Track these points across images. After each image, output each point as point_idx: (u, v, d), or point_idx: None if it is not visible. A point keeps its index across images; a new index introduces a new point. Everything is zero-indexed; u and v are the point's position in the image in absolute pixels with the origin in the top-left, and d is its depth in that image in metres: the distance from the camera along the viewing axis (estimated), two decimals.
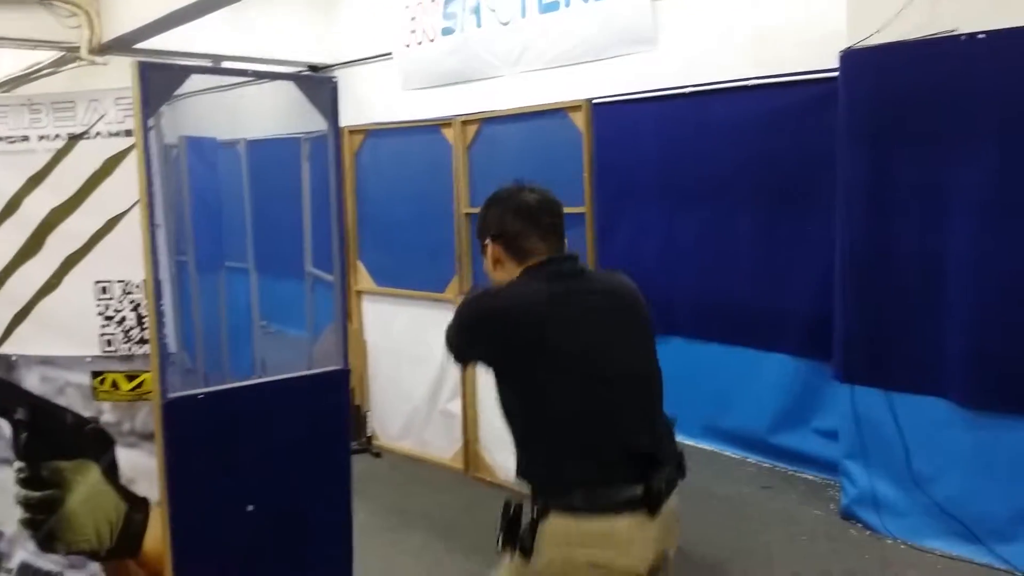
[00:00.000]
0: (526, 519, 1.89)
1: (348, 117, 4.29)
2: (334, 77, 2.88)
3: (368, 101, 6.81)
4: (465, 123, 4.55)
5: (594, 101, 4.08)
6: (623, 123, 5.14)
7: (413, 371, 4.92)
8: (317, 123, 2.70)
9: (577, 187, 3.95)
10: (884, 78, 3.64)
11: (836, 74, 3.83)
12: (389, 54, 6.74)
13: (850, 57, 3.74)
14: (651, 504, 1.88)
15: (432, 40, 6.30)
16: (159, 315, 2.48)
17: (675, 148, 5.05)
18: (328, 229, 2.82)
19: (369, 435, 5.18)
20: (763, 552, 3.74)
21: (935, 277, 3.58)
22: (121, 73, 2.77)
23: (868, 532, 3.86)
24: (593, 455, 1.88)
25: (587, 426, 1.88)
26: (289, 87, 2.70)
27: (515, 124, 4.42)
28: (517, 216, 2.02)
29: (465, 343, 2.01)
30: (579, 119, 3.97)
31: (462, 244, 4.58)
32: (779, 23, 4.60)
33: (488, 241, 2.05)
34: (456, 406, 4.71)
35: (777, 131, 4.56)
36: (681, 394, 5.08)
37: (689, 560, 3.63)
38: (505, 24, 5.76)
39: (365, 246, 5.17)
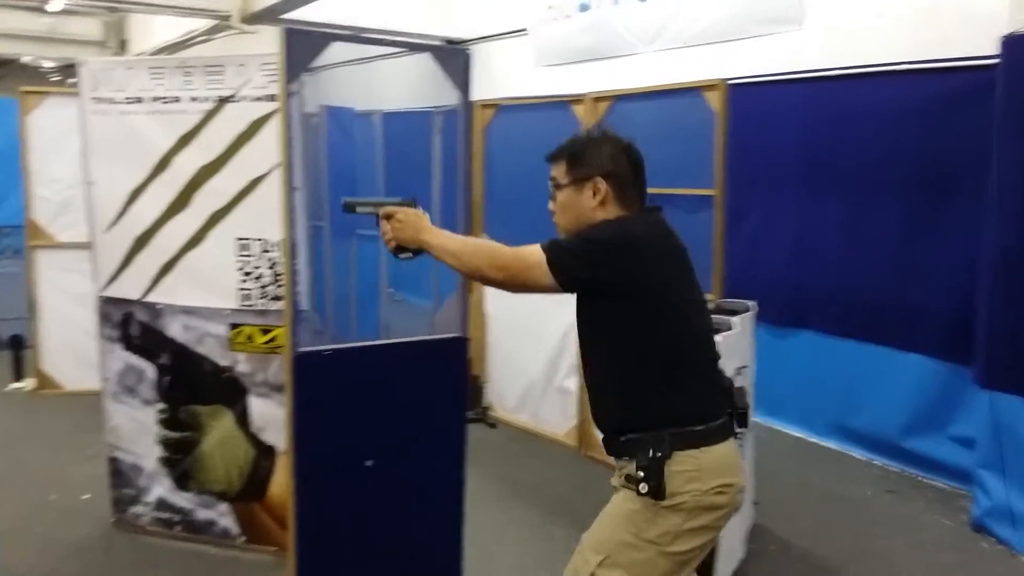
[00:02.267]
0: (643, 460, 1.88)
1: (480, 92, 4.34)
2: (468, 49, 2.91)
3: (500, 77, 6.86)
4: (597, 100, 4.52)
5: (731, 82, 3.96)
6: (761, 105, 4.97)
7: (531, 346, 4.95)
8: (450, 97, 2.74)
9: (707, 169, 3.86)
10: None
11: (995, 60, 3.59)
12: (522, 30, 6.76)
13: (1013, 43, 3.48)
14: (740, 426, 2.04)
15: (568, 16, 6.26)
16: (294, 273, 2.58)
17: (815, 133, 4.84)
18: (456, 202, 2.87)
19: (486, 406, 5.26)
20: (884, 557, 3.58)
21: None
22: (269, 42, 2.89)
23: (1000, 547, 3.63)
24: (703, 383, 1.97)
25: (697, 356, 1.97)
26: (425, 62, 2.74)
27: (648, 102, 4.35)
28: (630, 162, 2.02)
29: (590, 263, 1.89)
30: (714, 99, 3.87)
31: None
32: (935, 4, 4.33)
33: (599, 177, 1.98)
34: (572, 383, 4.71)
35: (927, 119, 4.31)
36: (809, 390, 4.99)
37: (807, 559, 3.52)
38: (643, 1, 5.66)
39: (490, 220, 5.22)
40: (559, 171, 2.04)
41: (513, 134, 5.12)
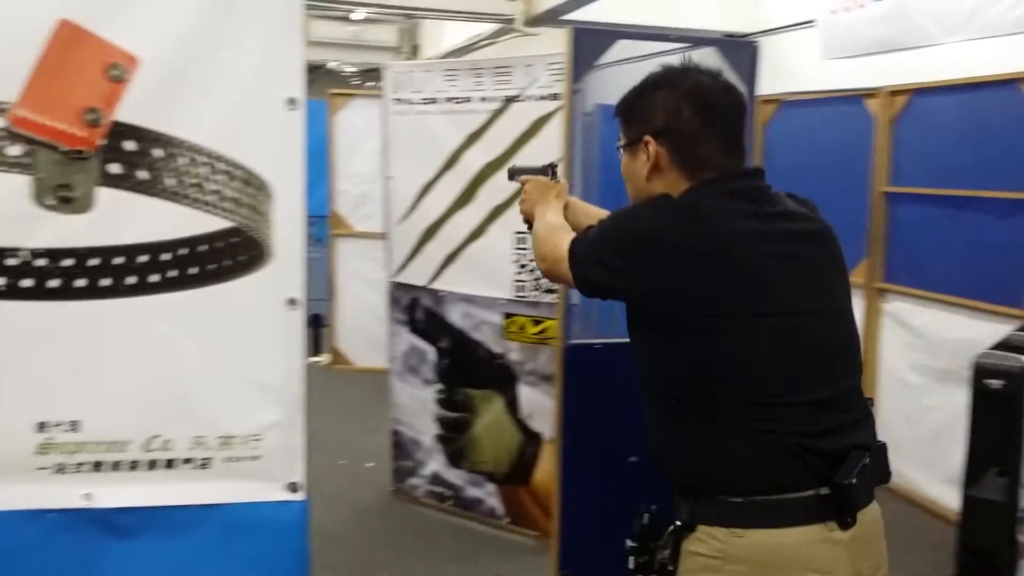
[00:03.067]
0: (667, 535, 1.46)
1: (759, 87, 4.18)
2: (756, 42, 2.81)
3: (780, 71, 6.53)
4: (893, 93, 4.19)
5: None
6: None
7: None
8: None
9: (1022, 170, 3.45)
10: None
11: None
12: (807, 22, 6.41)
13: None
14: (843, 508, 1.36)
15: (862, 6, 5.86)
16: None
17: None
18: None
19: None
20: None
21: None
22: (550, 43, 2.97)
23: None
24: (773, 435, 1.37)
25: (772, 396, 1.38)
26: (704, 56, 2.68)
27: (952, 96, 3.97)
28: (697, 110, 1.46)
29: (597, 263, 1.47)
30: None
31: (877, 225, 4.24)
32: None
33: (649, 138, 1.48)
34: None
35: None
36: None
37: None
38: None
39: None
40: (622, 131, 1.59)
41: (796, 131, 4.88)
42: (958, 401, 3.53)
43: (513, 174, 2.00)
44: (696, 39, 2.82)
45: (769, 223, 1.43)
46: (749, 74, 2.62)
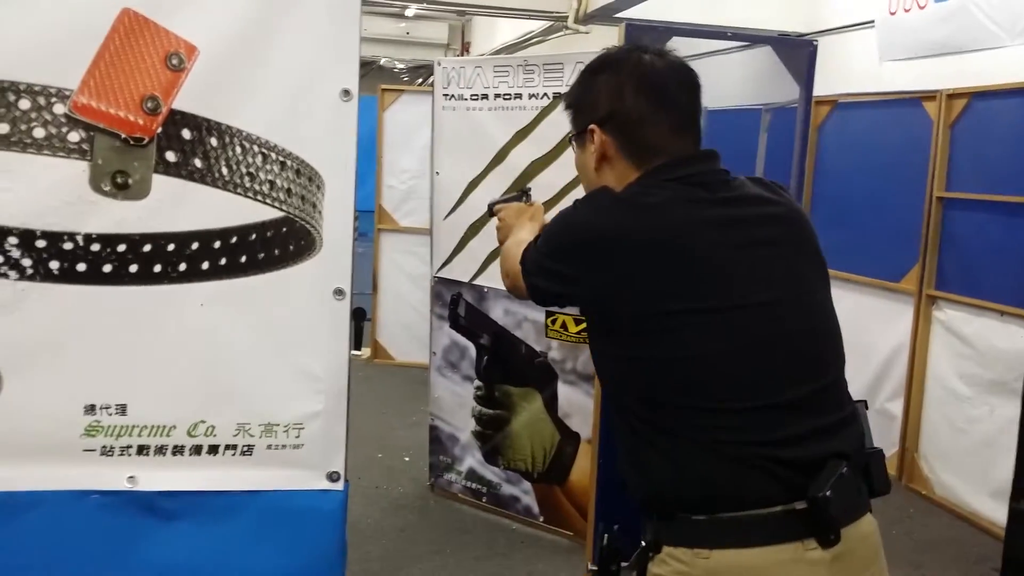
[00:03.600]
0: (634, 557, 1.35)
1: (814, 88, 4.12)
2: (815, 41, 2.76)
3: (834, 72, 6.44)
4: (951, 97, 4.09)
5: None
6: None
7: (851, 362, 4.54)
8: (780, 94, 2.63)
9: None
10: None
11: None
12: (864, 23, 6.29)
13: None
14: (821, 524, 1.24)
15: (923, 7, 5.73)
16: None
17: None
18: None
19: None
20: None
21: None
22: (600, 42, 2.94)
23: None
24: (736, 444, 1.26)
25: (734, 399, 1.27)
26: (759, 56, 2.64)
27: (1012, 100, 3.86)
28: (642, 91, 1.36)
29: (541, 270, 1.40)
30: None
31: (931, 231, 4.15)
32: None
33: (594, 127, 1.38)
34: (896, 407, 4.32)
35: None
36: None
37: None
38: None
39: (815, 224, 4.92)
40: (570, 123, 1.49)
41: (851, 133, 4.79)
42: (1007, 412, 3.47)
43: (490, 208, 1.96)
44: (751, 37, 2.78)
45: (722, 208, 1.33)
46: (806, 74, 2.57)
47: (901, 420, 4.29)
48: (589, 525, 2.70)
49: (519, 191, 1.99)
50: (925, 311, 4.16)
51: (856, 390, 4.70)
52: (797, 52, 2.61)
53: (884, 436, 4.42)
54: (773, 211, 1.40)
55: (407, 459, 4.31)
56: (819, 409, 1.31)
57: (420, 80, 11.67)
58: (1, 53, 1.56)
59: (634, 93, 1.36)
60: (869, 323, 4.38)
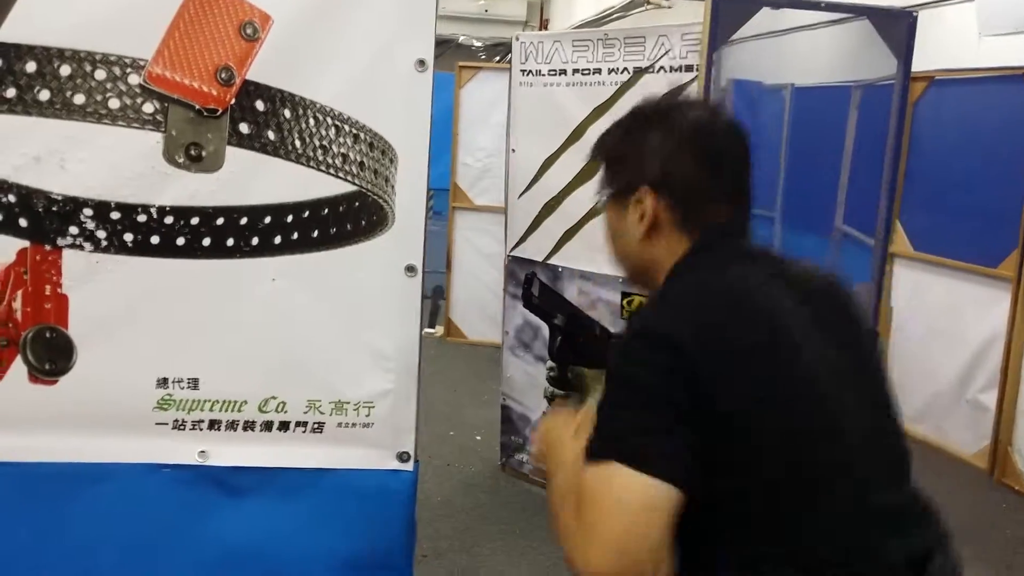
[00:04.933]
0: None
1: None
2: (914, 12, 2.59)
3: (931, 48, 6.13)
4: None
5: None
6: None
7: (943, 350, 4.41)
8: (872, 70, 2.48)
9: None
10: None
11: None
12: None
13: None
14: None
15: None
16: None
17: None
18: (866, 185, 2.60)
19: None
20: None
21: None
22: (681, 16, 2.83)
23: None
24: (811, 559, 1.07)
25: (808, 515, 1.08)
26: (851, 30, 2.50)
27: None
28: (700, 156, 1.20)
29: (664, 422, 1.04)
30: None
31: None
32: None
33: (644, 191, 1.20)
34: (990, 398, 4.12)
35: None
36: None
37: None
38: None
39: (908, 206, 4.72)
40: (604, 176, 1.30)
41: (947, 111, 4.56)
42: None
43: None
44: (847, 7, 2.63)
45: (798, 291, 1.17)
46: (905, 48, 2.43)
47: (994, 412, 4.08)
48: None
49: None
50: (1023, 299, 3.94)
51: (948, 377, 4.53)
52: (896, 24, 2.45)
53: (976, 428, 4.22)
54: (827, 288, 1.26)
55: (478, 438, 4.29)
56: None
57: (498, 58, 11.61)
58: (77, 23, 1.55)
59: (692, 157, 1.20)
60: (963, 310, 4.19)
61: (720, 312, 1.11)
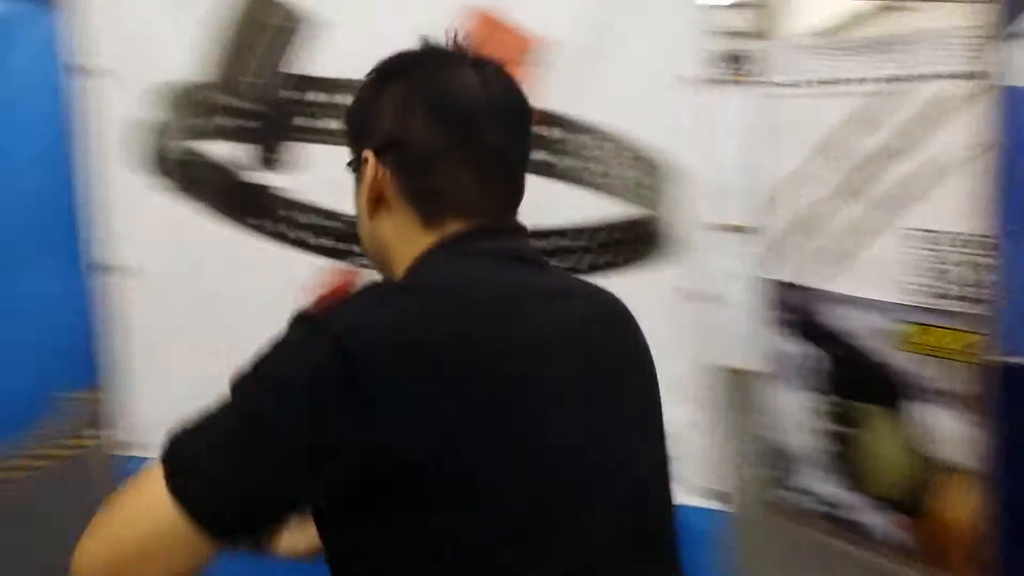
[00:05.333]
0: None
1: None
2: None
3: None
4: None
5: None
6: None
7: None
8: None
9: None
10: None
11: None
12: None
13: None
14: None
15: None
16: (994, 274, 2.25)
17: None
18: None
19: None
20: None
21: None
22: (934, 20, 2.56)
23: None
24: None
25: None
26: None
27: None
28: (438, 113, 0.93)
29: (293, 460, 0.81)
30: None
31: None
32: None
33: (368, 153, 0.95)
34: None
35: None
36: None
37: None
38: None
39: None
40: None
41: None
42: None
43: None
44: None
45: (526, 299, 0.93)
46: None
47: None
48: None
49: None
50: None
51: None
52: None
53: None
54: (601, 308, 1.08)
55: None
56: None
57: (736, 70, 11.37)
58: (346, 53, 1.58)
59: (427, 114, 0.93)
60: None
61: (427, 330, 0.83)
